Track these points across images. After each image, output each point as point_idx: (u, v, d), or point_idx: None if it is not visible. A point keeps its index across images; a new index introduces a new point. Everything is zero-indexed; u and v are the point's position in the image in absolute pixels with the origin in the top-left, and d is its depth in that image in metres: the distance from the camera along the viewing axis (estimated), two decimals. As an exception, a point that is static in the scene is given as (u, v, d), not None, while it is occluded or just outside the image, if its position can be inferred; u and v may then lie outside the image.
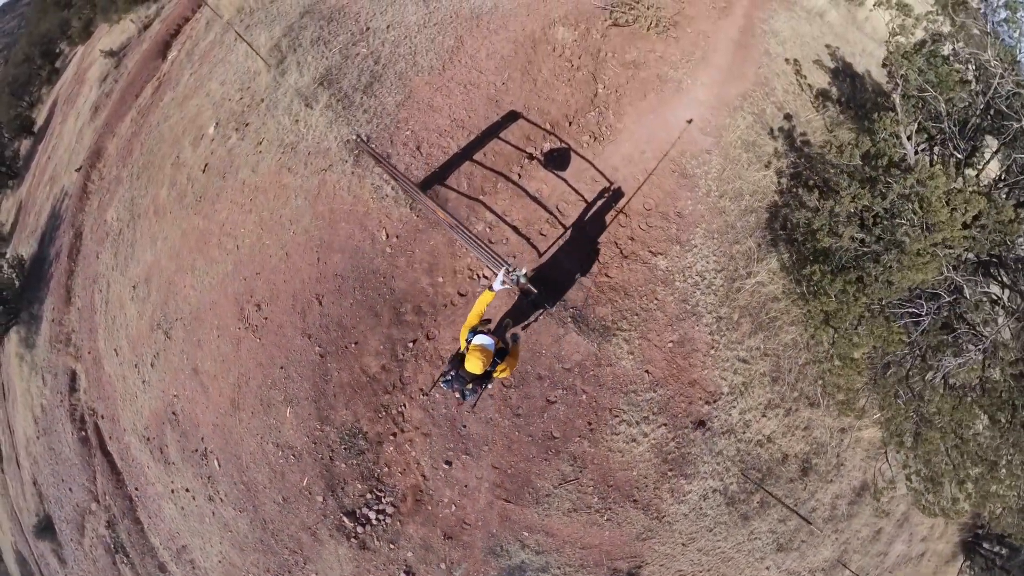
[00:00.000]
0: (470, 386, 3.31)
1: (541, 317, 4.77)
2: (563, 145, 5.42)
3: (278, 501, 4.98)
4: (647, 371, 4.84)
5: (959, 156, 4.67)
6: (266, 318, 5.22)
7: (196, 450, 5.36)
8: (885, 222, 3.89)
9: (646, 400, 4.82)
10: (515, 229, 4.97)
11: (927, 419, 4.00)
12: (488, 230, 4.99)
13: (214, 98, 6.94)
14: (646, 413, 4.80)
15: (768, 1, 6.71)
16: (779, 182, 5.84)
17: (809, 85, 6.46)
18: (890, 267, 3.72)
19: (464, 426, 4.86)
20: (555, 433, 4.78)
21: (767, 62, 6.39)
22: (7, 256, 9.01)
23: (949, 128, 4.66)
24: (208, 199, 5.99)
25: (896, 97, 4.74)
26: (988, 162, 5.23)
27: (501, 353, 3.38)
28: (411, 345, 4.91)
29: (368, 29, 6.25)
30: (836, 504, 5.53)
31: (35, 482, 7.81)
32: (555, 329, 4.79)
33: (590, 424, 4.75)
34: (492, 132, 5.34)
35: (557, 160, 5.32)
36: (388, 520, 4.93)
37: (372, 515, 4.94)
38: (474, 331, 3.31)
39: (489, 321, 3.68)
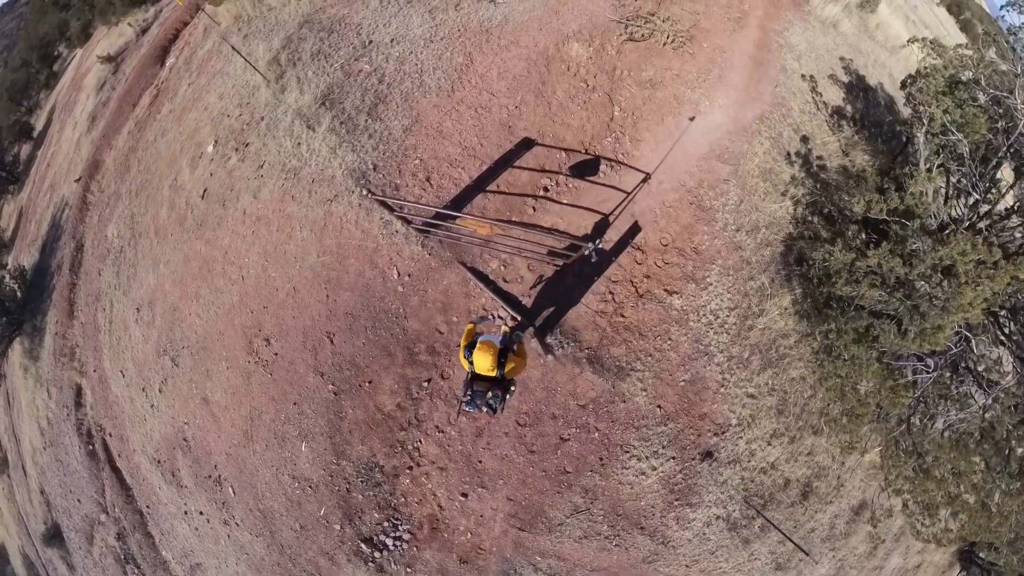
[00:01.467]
0: (490, 395, 3.25)
1: (551, 356, 4.75)
2: (589, 156, 5.24)
3: (295, 528, 5.09)
4: (659, 406, 4.92)
5: (977, 196, 4.59)
6: (276, 353, 5.14)
7: (209, 476, 5.41)
8: (907, 288, 3.85)
9: (656, 434, 4.92)
10: (529, 266, 4.86)
11: (926, 468, 4.14)
12: (503, 268, 4.88)
13: (212, 113, 6.56)
14: (656, 447, 4.91)
15: (782, 12, 6.40)
16: (795, 211, 5.76)
17: (824, 103, 6.29)
18: (907, 332, 3.72)
19: (480, 461, 4.94)
20: (568, 468, 4.88)
21: (784, 80, 6.16)
22: (8, 267, 8.87)
23: (971, 169, 4.57)
24: (209, 226, 5.77)
25: (920, 136, 4.61)
26: (1004, 194, 5.15)
27: (504, 354, 3.29)
28: (426, 384, 4.90)
29: (371, 43, 5.87)
30: (835, 523, 5.80)
31: (42, 491, 7.91)
32: (571, 368, 4.80)
33: (602, 460, 4.86)
34: (506, 161, 5.14)
35: (572, 192, 5.16)
36: (405, 546, 5.08)
37: (389, 541, 5.09)
38: (469, 348, 3.26)
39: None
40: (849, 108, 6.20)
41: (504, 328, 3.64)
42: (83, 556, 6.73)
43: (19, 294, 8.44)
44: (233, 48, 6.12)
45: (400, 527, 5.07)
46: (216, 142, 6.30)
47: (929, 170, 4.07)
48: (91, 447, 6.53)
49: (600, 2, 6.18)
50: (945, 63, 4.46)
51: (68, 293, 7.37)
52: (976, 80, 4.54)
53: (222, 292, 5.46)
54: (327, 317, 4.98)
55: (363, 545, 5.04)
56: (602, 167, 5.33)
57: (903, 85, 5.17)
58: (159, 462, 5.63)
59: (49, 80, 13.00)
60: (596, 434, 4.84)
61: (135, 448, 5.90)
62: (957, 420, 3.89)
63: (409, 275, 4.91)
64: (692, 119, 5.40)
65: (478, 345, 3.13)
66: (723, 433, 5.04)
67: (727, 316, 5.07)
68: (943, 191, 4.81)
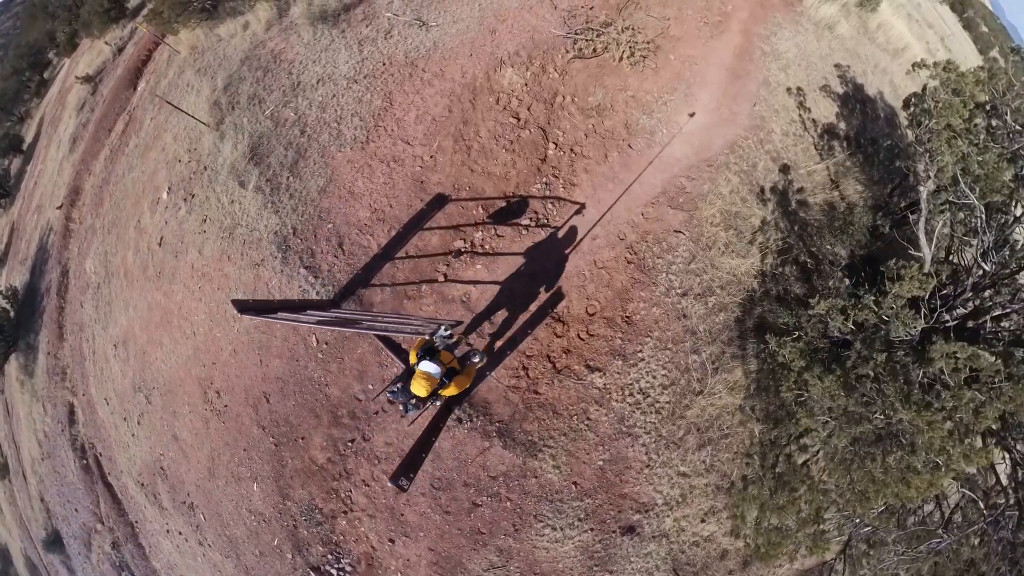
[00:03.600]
0: (413, 401, 3.42)
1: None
2: (497, 234, 4.78)
3: (256, 554, 5.79)
4: (574, 483, 4.75)
5: (986, 268, 3.51)
6: (226, 405, 5.58)
7: (184, 502, 6.23)
8: (857, 439, 3.16)
9: (572, 508, 4.80)
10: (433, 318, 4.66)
11: None
12: (413, 338, 4.73)
13: (168, 155, 6.76)
14: (571, 520, 4.81)
15: (770, 13, 5.06)
16: (763, 263, 4.87)
17: (813, 120, 5.11)
18: (840, 480, 3.11)
19: (402, 514, 5.18)
20: (482, 529, 4.97)
21: (765, 95, 5.01)
22: (1, 288, 9.40)
23: (982, 230, 3.46)
24: (166, 277, 6.16)
25: (924, 191, 3.54)
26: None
27: (451, 373, 3.41)
28: (351, 443, 5.10)
29: (299, 84, 5.59)
30: (783, 589, 5.46)
31: (42, 498, 8.65)
32: (480, 442, 4.72)
33: (515, 526, 4.87)
34: (416, 223, 4.85)
35: (488, 255, 4.75)
36: (347, 576, 5.60)
37: (334, 571, 5.65)
38: (427, 350, 3.30)
39: (452, 337, 3.53)
40: (843, 125, 4.94)
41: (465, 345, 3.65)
42: (82, 561, 7.52)
43: (11, 314, 8.91)
44: (171, 104, 6.10)
45: (342, 560, 5.59)
46: (170, 188, 6.53)
47: (927, 276, 3.13)
48: (85, 462, 7.26)
49: (545, 15, 5.26)
50: (964, 99, 3.25)
51: (57, 316, 7.96)
52: (1000, 113, 3.30)
53: (179, 344, 5.93)
54: (262, 379, 5.26)
55: (312, 573, 5.65)
56: (525, 219, 4.79)
57: (906, 104, 3.93)
58: (143, 484, 6.57)
59: (40, 88, 13.21)
60: (508, 503, 4.82)
61: (122, 469, 6.87)
62: (902, 558, 3.29)
63: (327, 343, 4.96)
64: (692, 115, 4.53)
65: (418, 374, 3.20)
66: (647, 511, 4.79)
67: (659, 395, 4.60)
68: (946, 246, 3.75)
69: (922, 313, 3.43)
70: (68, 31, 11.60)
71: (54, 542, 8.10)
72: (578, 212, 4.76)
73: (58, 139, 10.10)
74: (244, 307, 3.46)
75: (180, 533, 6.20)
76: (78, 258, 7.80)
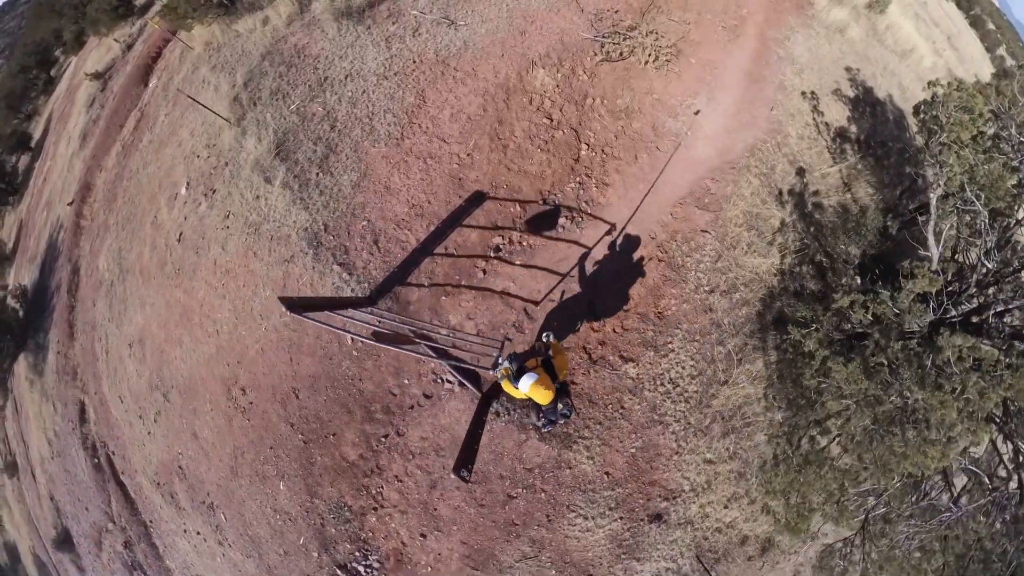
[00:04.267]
0: (560, 406, 3.29)
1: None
2: (534, 232, 4.88)
3: (280, 553, 5.72)
4: (607, 473, 4.89)
5: (989, 266, 3.84)
6: (251, 402, 5.50)
7: (203, 502, 6.10)
8: (877, 418, 3.40)
9: (604, 497, 4.95)
10: (479, 333, 4.74)
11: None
12: (452, 335, 4.79)
13: (184, 151, 6.60)
14: (603, 509, 4.96)
15: (784, 17, 5.36)
16: (781, 262, 5.14)
17: (826, 124, 5.41)
18: (861, 457, 3.35)
19: (435, 509, 5.22)
20: (516, 521, 5.06)
21: (782, 99, 5.29)
22: (10, 287, 9.36)
23: (986, 233, 3.79)
24: (186, 273, 6.01)
25: (934, 197, 3.85)
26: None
27: (547, 365, 3.32)
28: (384, 439, 5.11)
29: (326, 80, 5.54)
30: (799, 571, 5.75)
31: (52, 497, 8.49)
32: (517, 435, 4.81)
33: (548, 516, 4.99)
34: (454, 220, 4.89)
35: (526, 252, 4.86)
36: (375, 573, 5.60)
37: (361, 569, 5.63)
38: (514, 375, 3.20)
39: (532, 351, 3.47)
40: (854, 128, 5.27)
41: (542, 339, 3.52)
42: (92, 560, 7.41)
43: (21, 314, 8.81)
44: (191, 99, 5.96)
45: (370, 557, 5.58)
46: (188, 184, 6.37)
47: (936, 274, 3.40)
48: (96, 460, 7.15)
49: (573, 18, 5.39)
50: (974, 117, 3.56)
51: (67, 315, 7.80)
52: (1005, 125, 3.63)
53: (200, 342, 5.80)
54: (292, 376, 5.21)
55: (339, 571, 5.62)
56: (561, 220, 4.92)
57: (916, 111, 4.26)
58: (159, 484, 6.40)
59: (47, 86, 13.18)
60: (542, 494, 4.94)
61: (136, 468, 6.68)
62: (919, 530, 3.57)
63: (363, 340, 4.94)
64: (697, 112, 4.66)
65: (530, 387, 3.07)
66: (674, 499, 4.98)
67: (687, 384, 4.80)
68: (952, 245, 4.07)
69: (930, 307, 3.73)
70: (75, 29, 11.29)
71: (64, 541, 7.94)
72: (611, 213, 4.91)
73: (67, 135, 9.76)
74: (292, 304, 3.45)
75: (198, 533, 6.06)
76: (90, 255, 7.53)
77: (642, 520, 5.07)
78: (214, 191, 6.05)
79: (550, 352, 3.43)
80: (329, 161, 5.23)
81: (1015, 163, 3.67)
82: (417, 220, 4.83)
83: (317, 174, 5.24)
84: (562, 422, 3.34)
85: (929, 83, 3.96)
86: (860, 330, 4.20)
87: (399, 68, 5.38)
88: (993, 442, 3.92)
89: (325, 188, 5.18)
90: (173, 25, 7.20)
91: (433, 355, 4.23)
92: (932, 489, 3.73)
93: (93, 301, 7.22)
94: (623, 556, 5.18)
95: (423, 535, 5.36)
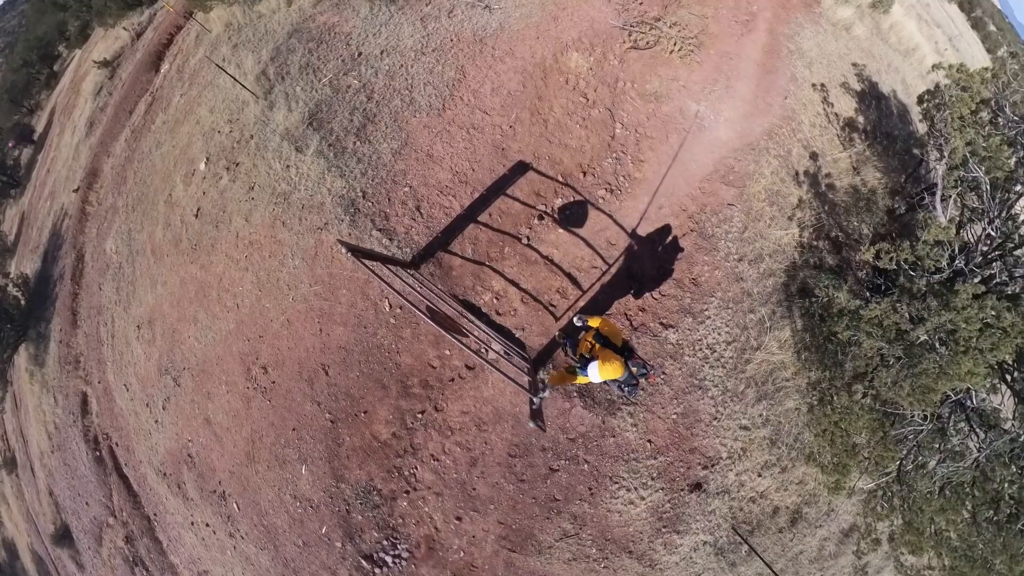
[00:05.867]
0: (634, 368, 3.27)
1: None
2: (576, 201, 4.98)
3: (298, 544, 5.30)
4: (649, 440, 4.89)
5: (993, 235, 4.26)
6: (274, 382, 5.19)
7: (214, 491, 5.62)
8: (906, 342, 3.64)
9: (646, 467, 4.92)
10: (529, 296, 4.72)
11: (909, 522, 4.07)
12: (495, 300, 4.76)
13: (204, 127, 6.37)
14: (645, 479, 4.92)
15: (792, 14, 5.85)
16: (801, 236, 5.45)
17: (836, 115, 5.87)
18: (900, 386, 3.55)
19: (473, 488, 5.02)
20: (557, 496, 4.94)
21: (794, 90, 5.72)
22: (11, 275, 9.01)
23: (988, 203, 4.21)
24: (203, 248, 5.70)
25: (940, 169, 4.25)
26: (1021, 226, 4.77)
27: (601, 339, 3.30)
28: (420, 416, 4.92)
29: (360, 55, 5.54)
30: (824, 546, 5.85)
31: (51, 492, 8.13)
32: (561, 403, 4.76)
33: (591, 489, 4.90)
34: (498, 188, 4.92)
35: (573, 216, 4.93)
36: (403, 563, 5.28)
37: (388, 559, 5.28)
38: (580, 368, 3.25)
39: (582, 357, 3.43)
40: (861, 119, 5.76)
41: (585, 325, 3.49)
42: (92, 556, 7.02)
43: (23, 302, 8.54)
44: (219, 66, 5.82)
45: (399, 546, 5.25)
46: (208, 159, 6.13)
47: (947, 225, 3.74)
48: (98, 453, 6.73)
49: (602, 7, 5.70)
50: (972, 94, 4.02)
51: (71, 303, 7.43)
52: (1001, 107, 4.11)
53: (218, 318, 5.46)
54: (321, 350, 4.97)
55: (364, 562, 5.24)
56: (600, 192, 5.06)
57: (920, 100, 4.74)
58: (165, 474, 5.86)
59: (50, 80, 13.00)
60: (585, 466, 4.86)
61: (141, 459, 6.12)
62: (949, 471, 3.77)
63: (400, 307, 4.82)
64: (696, 113, 4.92)
65: (600, 371, 3.07)
66: (713, 466, 5.02)
67: (724, 350, 4.94)
68: (957, 221, 4.48)
69: (947, 254, 4.07)
70: (79, 23, 10.92)
71: (63, 536, 7.53)
72: (647, 187, 5.10)
73: (72, 125, 9.37)
74: (353, 249, 3.35)
75: (207, 525, 5.52)
76: (96, 240, 7.13)
77: (682, 490, 5.06)
78: (237, 164, 5.84)
79: (587, 329, 3.43)
80: (367, 130, 5.18)
81: (1011, 139, 4.13)
82: (461, 187, 4.83)
83: (355, 142, 5.18)
84: (644, 381, 3.36)
85: (933, 66, 4.45)
86: (878, 283, 4.53)
87: (436, 45, 5.48)
88: (1009, 386, 4.23)
89: (363, 156, 5.11)
90: (192, 5, 7.07)
91: (486, 360, 3.92)
92: (955, 434, 3.97)
93: (99, 285, 6.75)
94: (663, 530, 5.12)
95: (458, 518, 5.12)
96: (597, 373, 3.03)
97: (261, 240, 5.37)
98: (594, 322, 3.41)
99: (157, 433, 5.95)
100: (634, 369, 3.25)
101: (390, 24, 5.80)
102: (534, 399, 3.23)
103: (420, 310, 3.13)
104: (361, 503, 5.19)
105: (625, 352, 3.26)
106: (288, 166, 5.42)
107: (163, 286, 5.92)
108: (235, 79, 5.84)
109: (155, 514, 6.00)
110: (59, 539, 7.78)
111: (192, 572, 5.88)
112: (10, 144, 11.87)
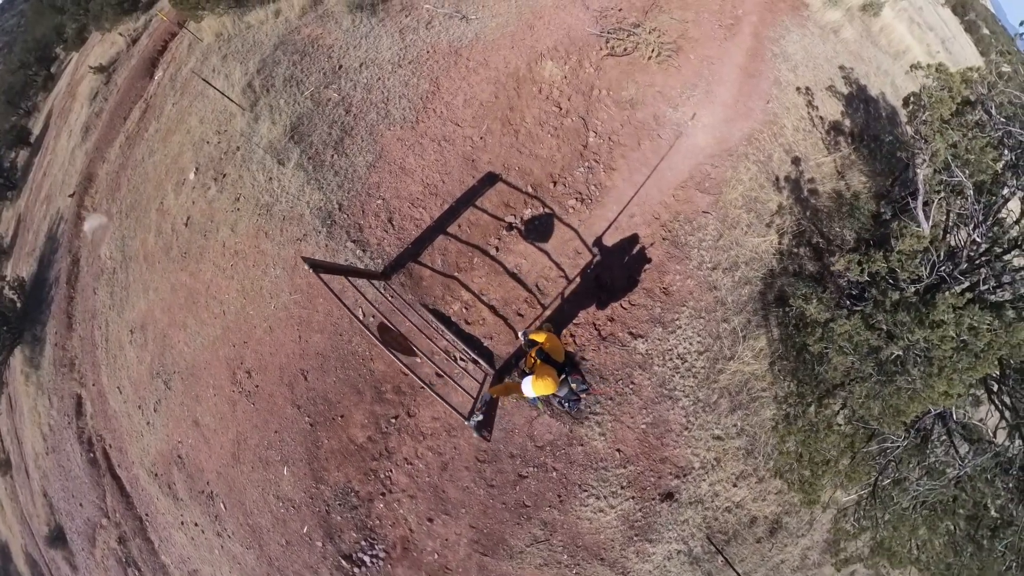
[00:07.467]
0: (572, 384, 3.31)
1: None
2: (545, 211, 5.04)
3: (281, 543, 5.54)
4: (618, 450, 4.92)
5: (979, 241, 4.11)
6: (257, 385, 5.42)
7: (203, 491, 5.90)
8: (877, 359, 3.56)
9: (616, 476, 4.95)
10: (492, 309, 4.82)
11: (884, 545, 4.00)
12: (464, 310, 4.87)
13: (194, 137, 6.65)
14: (614, 488, 4.96)
15: (778, 17, 5.73)
16: (780, 242, 5.37)
17: (821, 118, 5.74)
18: (870, 406, 3.49)
19: (444, 491, 5.15)
20: (527, 502, 5.02)
21: (777, 94, 5.61)
22: (8, 278, 9.19)
23: (973, 207, 4.07)
24: (192, 256, 5.98)
25: (921, 173, 4.13)
26: (1008, 231, 4.59)
27: (543, 356, 3.32)
28: (394, 420, 5.07)
29: (340, 68, 5.71)
30: (806, 555, 5.78)
31: (45, 494, 8.27)
32: (528, 412, 4.82)
33: (560, 497, 4.96)
34: (468, 199, 5.01)
35: (538, 230, 4.99)
36: (380, 563, 5.46)
37: (366, 558, 5.47)
38: (520, 376, 3.34)
39: (522, 372, 3.56)
40: (847, 123, 5.62)
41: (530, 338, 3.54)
42: (86, 557, 7.20)
43: (18, 305, 8.68)
44: (206, 81, 6.07)
45: (376, 546, 5.43)
46: (197, 169, 6.41)
47: (924, 235, 3.64)
48: (92, 455, 6.96)
49: (579, 15, 5.71)
50: (953, 94, 3.89)
51: (66, 306, 7.69)
52: (986, 109, 3.96)
53: (206, 324, 5.73)
54: (300, 356, 5.18)
55: (343, 561, 5.45)
56: (571, 201, 5.10)
57: (906, 102, 4.60)
58: (156, 475, 6.18)
59: (47, 82, 13.26)
60: (554, 473, 4.93)
61: (133, 460, 6.45)
62: (927, 490, 3.69)
63: (373, 316, 4.97)
64: (694, 116, 4.88)
65: (533, 387, 3.07)
66: (685, 476, 5.01)
67: (695, 360, 4.92)
68: (942, 227, 4.34)
69: (923, 264, 3.95)
70: (77, 25, 11.34)
71: (56, 538, 7.69)
72: (617, 195, 5.11)
73: (69, 129, 9.73)
74: (315, 265, 3.50)
75: (196, 524, 5.83)
76: (91, 244, 7.42)
77: (653, 499, 5.07)
78: (224, 175, 6.10)
79: (534, 343, 3.45)
80: (344, 143, 5.35)
81: (996, 142, 3.98)
82: (432, 199, 4.95)
83: (332, 156, 5.35)
84: (584, 396, 3.39)
85: (912, 66, 4.31)
86: (856, 292, 4.43)
87: (413, 57, 5.60)
88: (993, 400, 4.09)
89: (340, 169, 5.29)
90: (184, 15, 7.37)
91: (424, 383, 3.94)
92: (938, 446, 3.87)
93: (94, 289, 7.08)
94: (635, 538, 5.15)
95: (430, 519, 5.26)
96: (530, 388, 3.08)
97: (246, 250, 5.61)
98: (539, 337, 3.46)
99: (149, 435, 6.28)
100: (573, 385, 3.29)
101: (370, 36, 5.95)
102: (467, 422, 3.30)
103: (371, 331, 3.25)
104: (340, 504, 5.39)
105: (567, 368, 3.28)
106: (271, 178, 5.64)
107: (155, 292, 6.24)
108: (222, 93, 6.10)
109: (147, 514, 6.33)
110: (53, 540, 7.87)
111: (182, 571, 6.21)
112: None
